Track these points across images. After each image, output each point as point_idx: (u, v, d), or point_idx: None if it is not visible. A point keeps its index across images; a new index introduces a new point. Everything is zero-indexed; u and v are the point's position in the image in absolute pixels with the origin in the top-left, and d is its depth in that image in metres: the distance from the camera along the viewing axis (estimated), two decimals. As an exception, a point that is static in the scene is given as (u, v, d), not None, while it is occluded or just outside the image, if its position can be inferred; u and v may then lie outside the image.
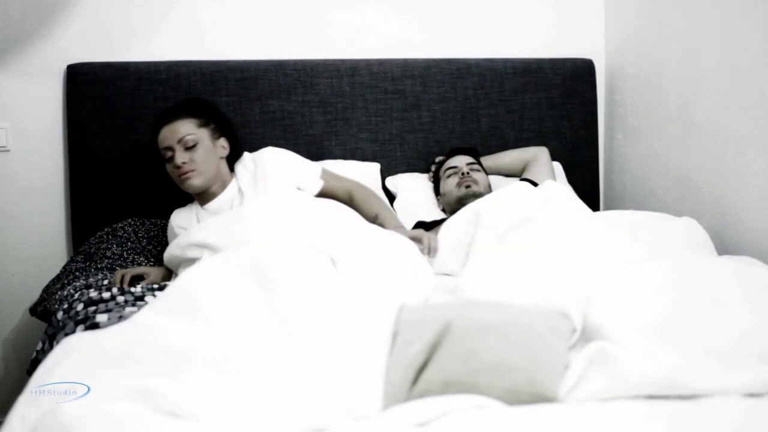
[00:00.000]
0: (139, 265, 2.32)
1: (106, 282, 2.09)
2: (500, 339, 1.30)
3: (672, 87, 2.60)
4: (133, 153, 2.62)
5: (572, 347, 1.44)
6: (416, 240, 2.14)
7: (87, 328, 1.72)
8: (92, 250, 2.38)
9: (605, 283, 1.58)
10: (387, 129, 2.80)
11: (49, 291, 2.22)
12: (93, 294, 1.89)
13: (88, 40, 2.66)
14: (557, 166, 2.82)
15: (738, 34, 2.26)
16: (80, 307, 1.83)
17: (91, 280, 2.13)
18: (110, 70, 2.63)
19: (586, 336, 1.47)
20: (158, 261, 2.34)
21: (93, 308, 1.81)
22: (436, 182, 2.69)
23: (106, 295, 1.87)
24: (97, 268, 2.27)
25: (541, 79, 2.88)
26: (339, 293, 1.56)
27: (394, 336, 1.38)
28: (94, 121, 2.61)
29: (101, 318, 1.75)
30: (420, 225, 2.46)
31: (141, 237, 2.48)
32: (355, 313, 1.48)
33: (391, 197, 2.72)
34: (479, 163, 2.65)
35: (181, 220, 2.34)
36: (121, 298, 1.87)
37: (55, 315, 1.89)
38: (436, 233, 2.24)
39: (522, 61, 2.88)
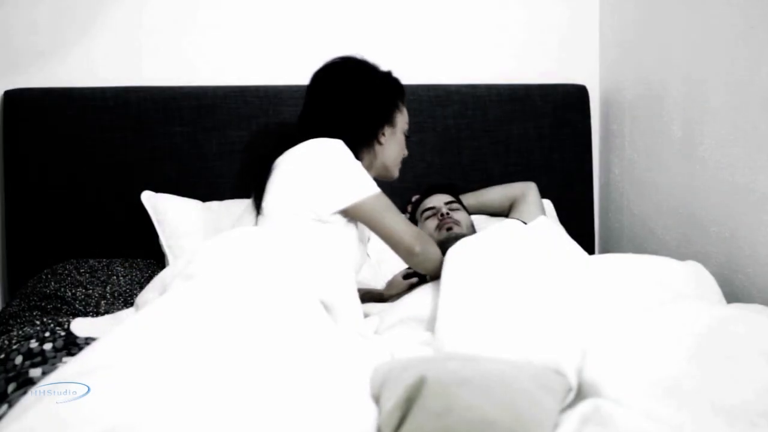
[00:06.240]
0: (75, 297, 2.13)
1: (47, 333, 1.86)
2: (480, 393, 1.21)
3: (674, 115, 2.44)
4: (76, 188, 2.42)
5: (567, 407, 1.31)
6: None
7: (19, 386, 1.51)
8: (28, 291, 2.18)
9: (603, 336, 1.45)
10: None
11: None
12: (33, 345, 1.64)
13: (27, 64, 2.45)
14: (547, 204, 2.63)
15: (746, 55, 2.13)
16: (19, 359, 1.61)
17: (30, 329, 1.86)
18: (51, 97, 2.42)
19: (582, 394, 1.35)
20: (99, 294, 2.14)
21: (29, 362, 1.59)
22: None
23: (47, 346, 1.64)
24: (32, 307, 2.07)
25: (529, 107, 2.70)
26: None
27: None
28: (33, 153, 2.40)
29: (34, 372, 1.55)
30: (410, 275, 2.18)
31: (83, 272, 2.27)
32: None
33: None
34: (459, 202, 2.42)
35: None
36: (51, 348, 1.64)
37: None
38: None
39: (508, 87, 2.70)
